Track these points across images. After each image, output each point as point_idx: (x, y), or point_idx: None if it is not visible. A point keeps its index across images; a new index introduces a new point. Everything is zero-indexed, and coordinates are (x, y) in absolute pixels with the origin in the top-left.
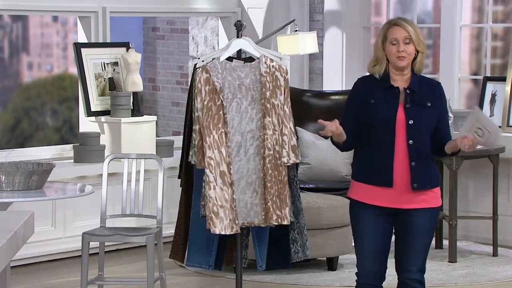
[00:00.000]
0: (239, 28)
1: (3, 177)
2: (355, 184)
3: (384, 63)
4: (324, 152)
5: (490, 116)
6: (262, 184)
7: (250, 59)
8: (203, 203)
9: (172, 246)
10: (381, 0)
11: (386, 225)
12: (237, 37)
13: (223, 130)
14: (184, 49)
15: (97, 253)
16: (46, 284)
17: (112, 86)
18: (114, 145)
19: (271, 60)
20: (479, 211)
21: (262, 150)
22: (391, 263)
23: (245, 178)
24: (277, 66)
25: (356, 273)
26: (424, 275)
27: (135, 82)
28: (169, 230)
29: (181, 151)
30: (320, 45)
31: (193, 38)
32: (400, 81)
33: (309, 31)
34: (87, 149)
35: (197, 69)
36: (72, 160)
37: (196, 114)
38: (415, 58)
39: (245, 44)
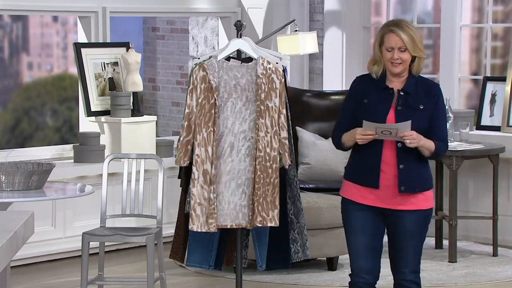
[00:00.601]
0: (239, 28)
1: (3, 177)
2: (345, 183)
3: (382, 64)
4: (324, 152)
5: (490, 116)
6: (251, 185)
7: (249, 59)
8: (188, 199)
9: (172, 246)
10: (381, 0)
11: (376, 222)
12: (237, 37)
13: (212, 129)
14: (184, 49)
15: (97, 253)
16: (46, 284)
17: (112, 86)
18: (114, 145)
19: (268, 62)
20: (479, 211)
21: (253, 151)
22: (387, 263)
23: (235, 180)
24: (273, 69)
25: (350, 274)
26: (421, 275)
27: (135, 82)
28: (169, 230)
29: None
30: (320, 45)
31: (193, 38)
32: (397, 82)
33: (309, 31)
34: (87, 149)
35: (194, 67)
36: (72, 160)
37: (187, 110)
38: (413, 61)
39: (244, 45)
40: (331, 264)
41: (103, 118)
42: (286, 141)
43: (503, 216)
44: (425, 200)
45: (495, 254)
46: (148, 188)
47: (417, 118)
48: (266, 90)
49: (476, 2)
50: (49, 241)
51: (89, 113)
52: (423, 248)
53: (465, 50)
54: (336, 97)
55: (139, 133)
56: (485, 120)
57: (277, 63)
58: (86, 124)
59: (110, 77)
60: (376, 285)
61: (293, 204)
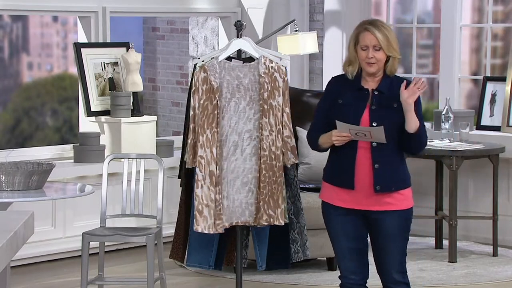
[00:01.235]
0: (239, 28)
1: (3, 177)
2: (324, 185)
3: (357, 65)
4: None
5: (490, 116)
6: (257, 184)
7: (250, 59)
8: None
9: (172, 246)
10: (381, 0)
11: (357, 225)
12: (237, 37)
13: (215, 130)
14: (184, 49)
15: (97, 253)
16: (46, 284)
17: (112, 86)
18: (114, 145)
19: (270, 61)
20: (479, 211)
21: (258, 150)
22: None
23: (240, 178)
24: (276, 67)
25: (339, 276)
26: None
27: (135, 82)
28: (169, 230)
29: (181, 151)
30: (320, 45)
31: (193, 38)
32: (371, 82)
33: (309, 31)
34: (87, 149)
35: (196, 68)
36: (72, 160)
37: (191, 112)
38: (387, 61)
39: (245, 44)
40: (331, 264)
41: (103, 118)
42: (289, 140)
43: (503, 216)
44: (403, 200)
45: (495, 254)
46: (148, 188)
47: (391, 116)
48: (269, 89)
49: (476, 2)
50: (49, 241)
51: (89, 113)
52: (423, 248)
53: (465, 50)
54: None
55: (139, 133)
56: (485, 120)
57: (277, 63)
58: (86, 124)
59: (110, 77)
60: (367, 285)
61: (293, 204)
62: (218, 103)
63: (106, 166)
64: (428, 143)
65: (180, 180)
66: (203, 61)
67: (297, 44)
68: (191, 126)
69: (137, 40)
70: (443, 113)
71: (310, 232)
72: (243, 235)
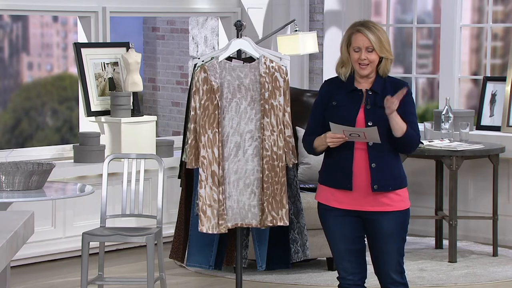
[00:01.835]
0: (239, 28)
1: (3, 177)
2: (320, 187)
3: (350, 66)
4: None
5: (490, 116)
6: (260, 185)
7: (250, 59)
8: (197, 201)
9: (172, 246)
10: (381, 0)
11: (354, 227)
12: (237, 37)
13: (217, 130)
14: (184, 49)
15: (97, 253)
16: (46, 284)
17: (112, 86)
18: (114, 145)
19: (271, 61)
20: (479, 211)
21: (260, 151)
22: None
23: (243, 179)
24: (276, 67)
25: (337, 277)
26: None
27: (135, 82)
28: (169, 230)
29: (181, 151)
30: (320, 45)
31: (193, 38)
32: (365, 83)
33: (309, 31)
34: (87, 149)
35: (196, 69)
36: (72, 160)
37: (192, 113)
38: (380, 62)
39: (245, 44)
40: (331, 264)
41: (103, 118)
42: (291, 140)
43: (503, 216)
44: (400, 201)
45: (495, 254)
46: (148, 188)
47: (385, 116)
48: (270, 89)
49: (476, 2)
50: (49, 241)
51: (89, 113)
52: (423, 248)
53: (465, 50)
54: None
55: (139, 133)
56: (485, 120)
57: (277, 62)
58: (86, 124)
59: (110, 77)
60: (365, 285)
61: (293, 204)
62: (219, 103)
63: (106, 166)
64: (428, 143)
65: (180, 180)
66: (203, 61)
67: (297, 44)
68: (192, 126)
69: (137, 40)
70: (443, 113)
71: (310, 232)
72: (243, 235)
